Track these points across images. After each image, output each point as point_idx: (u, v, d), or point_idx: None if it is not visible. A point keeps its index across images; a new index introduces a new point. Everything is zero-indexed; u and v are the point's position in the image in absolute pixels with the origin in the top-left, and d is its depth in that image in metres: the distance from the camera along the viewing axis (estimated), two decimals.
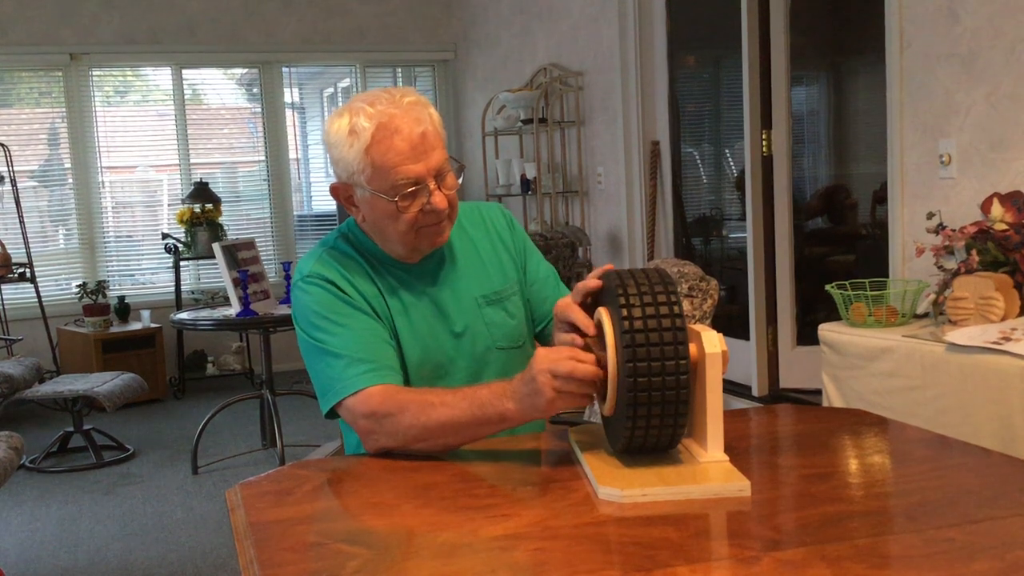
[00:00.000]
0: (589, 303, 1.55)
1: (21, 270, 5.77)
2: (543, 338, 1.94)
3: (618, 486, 1.35)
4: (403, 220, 1.69)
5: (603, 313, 1.47)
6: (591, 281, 1.54)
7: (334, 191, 1.78)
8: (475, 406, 1.55)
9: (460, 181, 1.77)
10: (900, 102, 3.32)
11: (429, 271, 1.81)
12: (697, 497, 1.34)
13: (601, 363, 1.46)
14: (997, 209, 2.76)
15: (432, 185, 1.68)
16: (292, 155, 7.13)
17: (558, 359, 1.46)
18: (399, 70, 7.42)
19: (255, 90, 7.01)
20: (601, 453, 1.50)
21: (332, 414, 1.70)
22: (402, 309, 1.77)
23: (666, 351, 1.36)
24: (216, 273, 6.37)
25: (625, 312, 1.38)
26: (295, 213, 7.13)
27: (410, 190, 1.67)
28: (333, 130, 1.71)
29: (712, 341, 1.42)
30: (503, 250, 1.89)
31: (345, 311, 1.71)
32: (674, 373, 1.36)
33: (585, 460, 1.47)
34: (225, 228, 6.41)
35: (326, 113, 7.84)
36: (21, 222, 5.91)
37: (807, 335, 4.15)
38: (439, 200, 1.68)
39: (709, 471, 1.40)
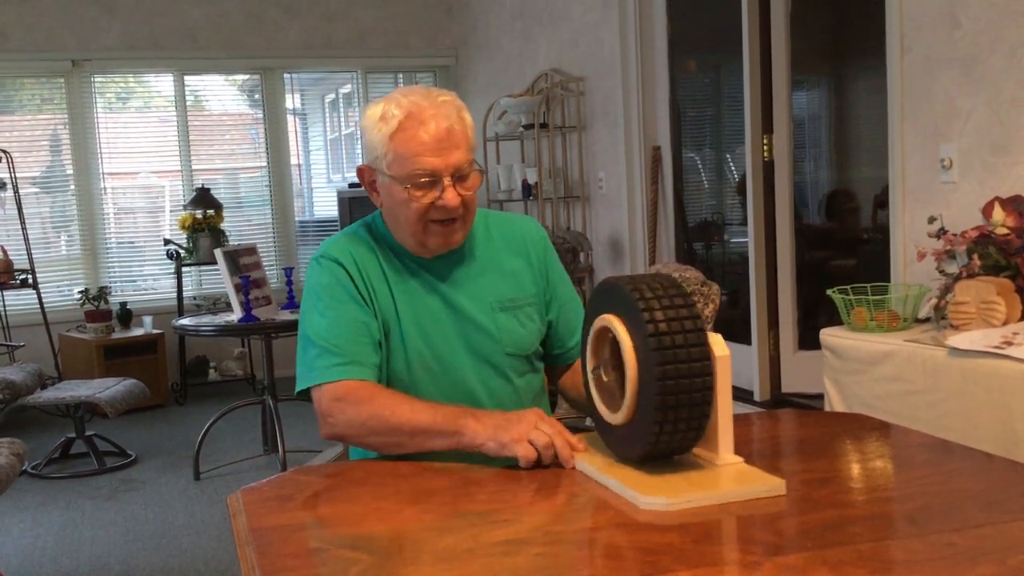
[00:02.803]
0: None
1: (23, 276, 5.77)
2: (557, 359, 1.95)
3: (663, 494, 1.33)
4: (412, 210, 1.72)
5: (613, 320, 1.45)
6: None
7: (360, 173, 1.83)
8: (437, 415, 1.60)
9: (480, 183, 1.79)
10: (901, 106, 3.32)
11: (446, 269, 1.83)
12: (737, 499, 1.34)
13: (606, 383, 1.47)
14: (998, 213, 2.76)
15: (447, 182, 1.71)
16: (294, 161, 7.14)
17: (552, 421, 1.55)
18: (400, 75, 7.43)
19: (256, 96, 7.02)
20: (615, 463, 1.47)
21: (303, 394, 1.76)
22: (409, 299, 1.80)
23: (692, 353, 1.37)
24: (218, 279, 6.37)
25: (648, 316, 1.37)
26: (296, 219, 7.14)
27: (424, 180, 1.70)
28: (368, 115, 1.76)
29: (720, 344, 1.43)
30: (526, 264, 1.90)
31: (340, 297, 1.76)
32: (700, 375, 1.37)
33: (607, 472, 1.44)
34: (227, 234, 6.42)
35: (327, 119, 7.85)
36: (23, 228, 5.92)
37: (809, 339, 4.14)
38: (451, 197, 1.71)
39: (741, 474, 1.41)
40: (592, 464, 1.49)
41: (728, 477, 1.40)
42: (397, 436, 1.62)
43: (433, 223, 1.74)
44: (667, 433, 1.38)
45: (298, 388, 1.75)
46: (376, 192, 1.81)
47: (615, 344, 1.48)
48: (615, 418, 1.46)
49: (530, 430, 1.53)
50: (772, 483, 1.37)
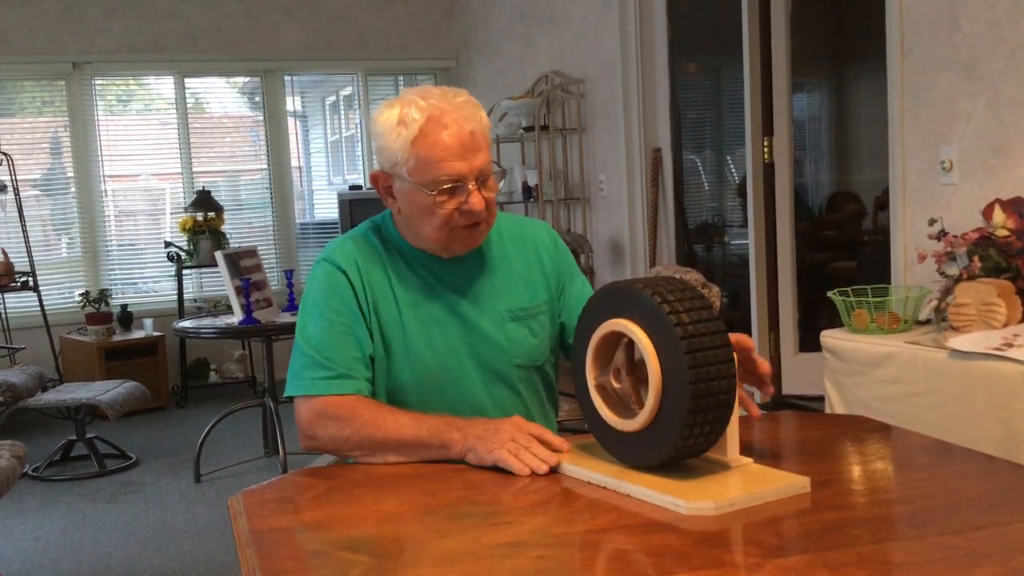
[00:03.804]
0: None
1: (24, 279, 5.78)
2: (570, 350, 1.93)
3: (711, 499, 1.32)
4: (438, 216, 1.69)
5: (628, 325, 1.43)
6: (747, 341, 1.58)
7: (374, 179, 1.78)
8: (422, 429, 1.60)
9: (500, 185, 1.77)
10: (901, 109, 3.32)
11: (458, 277, 1.80)
12: (772, 499, 1.35)
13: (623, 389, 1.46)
14: (999, 215, 2.76)
15: (472, 185, 1.67)
16: (294, 163, 7.14)
17: (530, 428, 1.55)
18: (401, 78, 7.43)
19: (257, 98, 7.03)
20: (626, 470, 1.45)
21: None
22: (416, 310, 1.76)
23: (719, 355, 1.37)
24: (218, 281, 6.37)
25: (675, 319, 1.37)
26: (297, 221, 7.14)
27: (449, 186, 1.66)
28: (382, 119, 1.70)
29: None
30: (539, 269, 1.87)
31: (336, 307, 1.73)
32: (726, 376, 1.38)
33: (626, 479, 1.42)
34: (227, 236, 6.42)
35: (328, 121, 7.85)
36: (24, 231, 5.92)
37: (809, 342, 4.15)
38: (477, 201, 1.68)
39: (763, 473, 1.42)
40: (601, 472, 1.46)
41: (753, 477, 1.41)
42: (383, 451, 1.62)
43: (458, 228, 1.71)
44: (694, 436, 1.38)
45: (286, 394, 1.74)
46: (392, 198, 1.76)
47: (628, 349, 1.46)
48: (629, 425, 1.43)
49: (506, 442, 1.53)
50: (797, 481, 1.39)
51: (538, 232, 1.92)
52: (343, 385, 1.68)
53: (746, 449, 1.52)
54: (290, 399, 1.74)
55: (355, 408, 1.65)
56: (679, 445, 1.38)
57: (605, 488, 1.43)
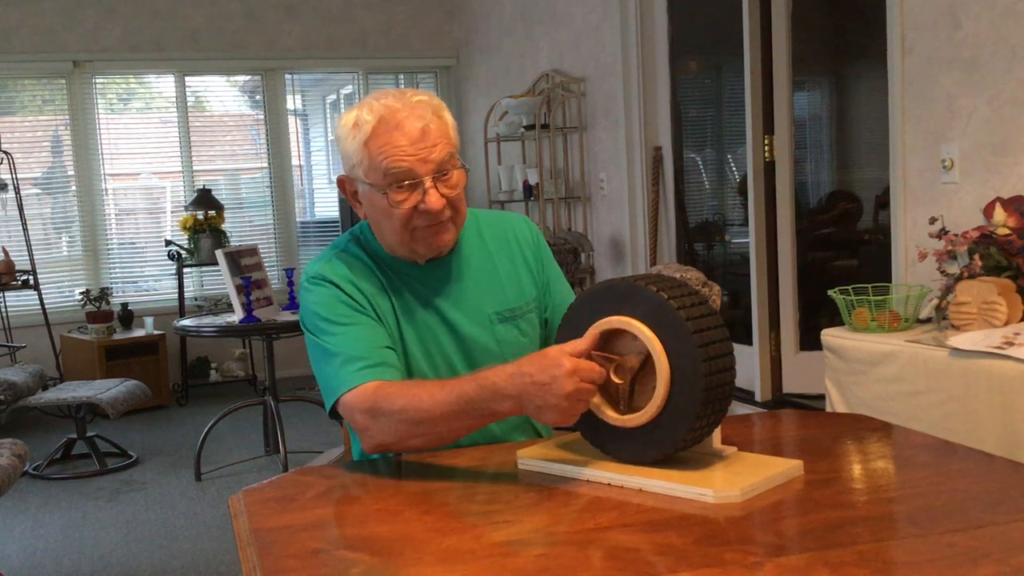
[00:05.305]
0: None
1: (24, 277, 5.78)
2: None
3: (736, 487, 1.35)
4: (396, 216, 1.66)
5: (631, 322, 1.43)
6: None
7: (340, 184, 1.77)
8: (462, 402, 1.50)
9: (465, 181, 1.71)
10: (902, 107, 3.32)
11: (441, 282, 1.77)
12: (780, 483, 1.40)
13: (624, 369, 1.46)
14: (999, 214, 2.76)
15: (428, 183, 1.64)
16: (295, 162, 7.14)
17: (587, 367, 1.42)
18: (402, 77, 7.43)
19: (258, 97, 7.03)
20: (627, 466, 1.45)
21: (335, 414, 1.67)
22: (409, 317, 1.74)
23: (724, 347, 1.41)
24: (219, 280, 6.38)
25: (685, 315, 1.39)
26: (298, 220, 7.14)
27: (405, 183, 1.63)
28: (341, 123, 1.70)
29: None
30: (523, 265, 1.84)
31: (345, 312, 1.69)
32: (730, 368, 1.42)
33: (638, 475, 1.42)
34: (228, 235, 6.42)
35: (329, 120, 7.85)
36: (24, 229, 5.92)
37: (810, 340, 4.14)
38: (434, 200, 1.64)
39: (762, 461, 1.46)
40: (603, 470, 1.45)
41: (764, 465, 1.44)
42: (434, 434, 1.54)
43: (419, 228, 1.67)
44: (700, 428, 1.41)
45: (328, 405, 1.65)
46: (358, 203, 1.74)
47: (630, 345, 1.46)
48: (633, 420, 1.44)
49: (572, 402, 1.42)
50: (793, 464, 1.44)
51: (519, 227, 1.88)
52: (382, 372, 1.62)
53: (747, 448, 1.52)
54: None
55: (392, 396, 1.56)
56: (688, 437, 1.40)
57: (609, 485, 1.43)
